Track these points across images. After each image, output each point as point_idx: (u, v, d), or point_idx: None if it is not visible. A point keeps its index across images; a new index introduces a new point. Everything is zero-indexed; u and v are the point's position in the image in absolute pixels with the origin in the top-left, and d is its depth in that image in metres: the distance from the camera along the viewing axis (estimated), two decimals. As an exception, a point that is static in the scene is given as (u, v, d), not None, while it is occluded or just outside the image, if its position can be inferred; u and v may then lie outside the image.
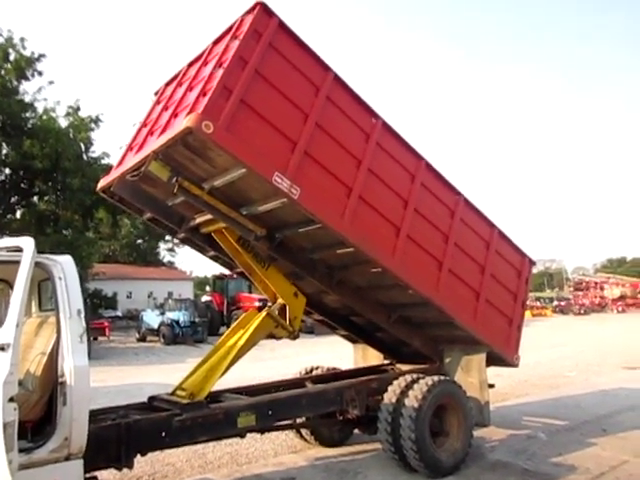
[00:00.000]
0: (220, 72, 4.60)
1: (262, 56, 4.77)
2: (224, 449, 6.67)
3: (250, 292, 28.35)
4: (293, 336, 6.04)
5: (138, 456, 4.59)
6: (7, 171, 25.71)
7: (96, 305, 34.84)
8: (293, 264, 5.87)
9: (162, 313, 25.06)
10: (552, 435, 7.13)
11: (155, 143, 4.82)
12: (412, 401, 5.54)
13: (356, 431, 6.83)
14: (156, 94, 6.36)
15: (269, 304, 6.07)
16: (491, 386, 6.69)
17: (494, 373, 6.98)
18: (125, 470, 4.52)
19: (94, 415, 4.21)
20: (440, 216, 6.16)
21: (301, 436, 6.85)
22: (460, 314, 6.08)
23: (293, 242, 5.79)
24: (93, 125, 26.71)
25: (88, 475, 3.94)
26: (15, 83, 24.66)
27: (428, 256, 5.91)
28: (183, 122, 4.26)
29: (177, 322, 23.53)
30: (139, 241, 56.99)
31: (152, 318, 25.40)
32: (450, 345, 6.71)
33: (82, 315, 3.84)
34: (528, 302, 14.12)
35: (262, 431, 5.85)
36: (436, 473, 5.54)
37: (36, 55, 24.82)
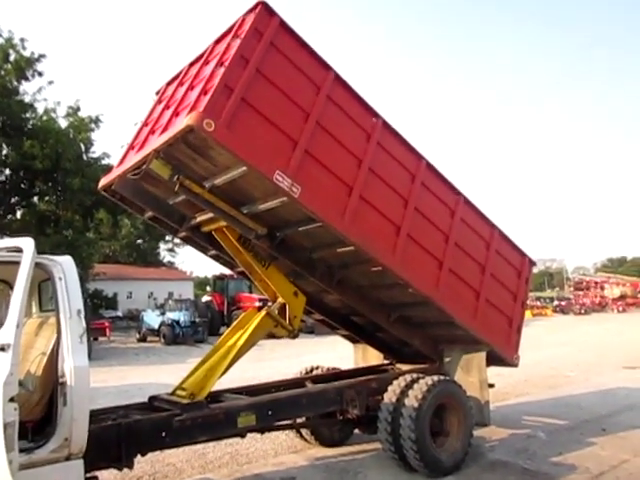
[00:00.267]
0: (221, 71, 4.62)
1: (263, 55, 4.79)
2: (224, 449, 6.68)
3: (250, 292, 28.36)
4: (293, 335, 6.05)
5: (138, 456, 4.59)
6: (7, 172, 25.75)
7: (96, 305, 34.89)
8: (293, 263, 5.88)
9: (162, 313, 25.06)
10: (552, 434, 7.13)
11: (156, 141, 4.84)
12: (412, 401, 5.54)
13: (356, 431, 6.83)
14: (157, 93, 6.39)
15: (269, 304, 6.08)
16: (491, 386, 6.69)
17: (494, 372, 6.99)
18: (125, 470, 4.53)
19: (94, 415, 4.22)
20: (440, 215, 6.17)
21: (301, 436, 6.85)
22: (460, 313, 6.09)
23: (294, 241, 5.80)
24: (93, 125, 26.78)
25: (88, 475, 3.94)
26: (15, 83, 24.70)
27: (428, 255, 5.92)
28: (184, 120, 4.28)
29: (177, 322, 23.53)
30: (139, 241, 56.99)
31: (152, 318, 25.41)
32: (450, 345, 6.71)
33: (82, 315, 3.85)
34: (528, 302, 14.16)
35: (262, 431, 5.85)
36: (436, 473, 5.54)
37: (36, 55, 24.87)
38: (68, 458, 3.67)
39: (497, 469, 5.85)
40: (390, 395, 5.73)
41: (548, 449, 6.44)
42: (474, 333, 6.24)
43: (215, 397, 5.47)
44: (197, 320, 24.24)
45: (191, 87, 5.28)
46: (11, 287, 3.90)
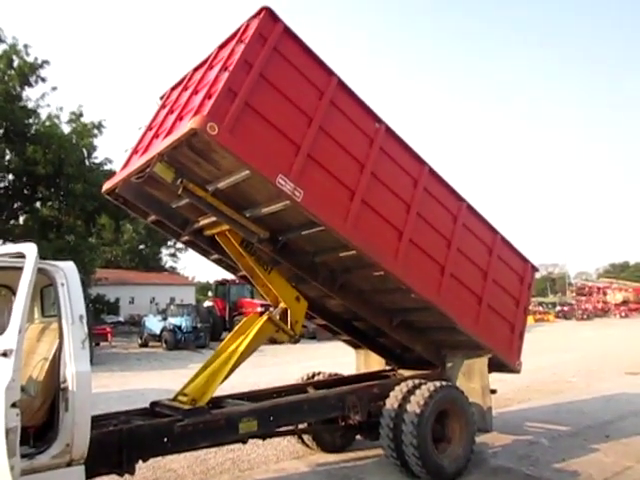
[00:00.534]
0: (225, 75, 4.66)
1: (267, 60, 4.82)
2: (226, 455, 6.66)
3: (252, 297, 28.37)
4: (294, 340, 6.05)
5: (140, 462, 4.58)
6: (10, 177, 25.79)
7: (98, 310, 34.90)
8: (296, 267, 5.89)
9: (164, 318, 25.04)
10: (555, 441, 7.11)
11: (160, 145, 4.87)
12: (414, 407, 5.53)
13: (358, 437, 6.81)
14: (161, 98, 6.44)
15: (271, 309, 6.08)
16: (493, 392, 6.68)
17: (496, 378, 6.97)
18: (127, 476, 4.52)
19: (96, 421, 4.20)
20: (443, 221, 6.18)
21: (303, 442, 6.83)
22: (462, 319, 6.08)
23: (296, 245, 5.81)
24: (96, 131, 26.81)
25: (90, 481, 3.94)
26: (18, 89, 24.78)
27: (430, 260, 5.92)
28: (188, 124, 4.31)
29: (179, 327, 23.52)
30: (141, 246, 57.09)
31: (154, 323, 25.39)
32: (452, 350, 6.70)
33: (84, 321, 3.86)
34: (530, 307, 14.13)
35: (264, 437, 5.84)
36: (438, 479, 5.53)
37: (39, 62, 24.96)
38: (69, 464, 3.67)
39: (499, 475, 5.83)
40: (392, 401, 5.72)
41: (551, 455, 6.41)
42: (476, 338, 6.23)
43: (217, 403, 5.47)
44: (199, 325, 24.24)
45: (195, 92, 5.32)
46: (13, 292, 3.90)
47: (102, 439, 4.15)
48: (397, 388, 5.85)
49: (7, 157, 24.32)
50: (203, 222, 5.92)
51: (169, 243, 56.91)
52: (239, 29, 5.19)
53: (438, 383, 5.87)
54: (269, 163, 4.62)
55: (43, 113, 26.06)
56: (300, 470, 6.21)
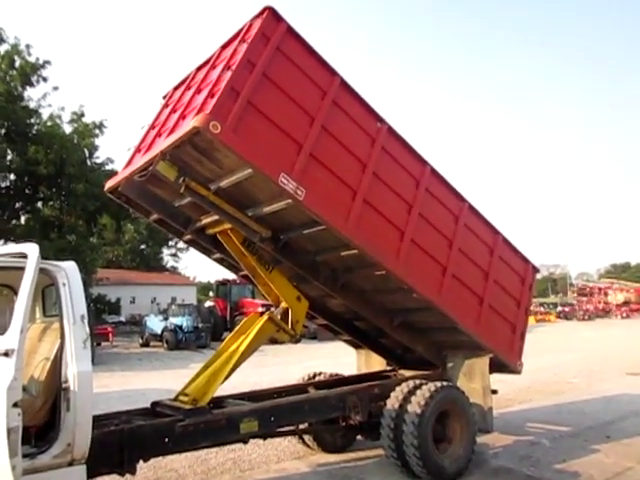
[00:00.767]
0: (228, 74, 4.67)
1: (270, 59, 4.84)
2: (227, 455, 6.67)
3: (253, 297, 28.38)
4: (295, 340, 6.07)
5: (141, 462, 4.59)
6: (12, 177, 25.82)
7: (99, 310, 34.91)
8: (297, 266, 5.90)
9: (165, 318, 25.04)
10: (556, 441, 7.10)
11: (163, 144, 4.89)
12: (415, 407, 5.53)
13: (359, 437, 6.81)
14: (164, 98, 6.46)
15: (272, 309, 6.09)
16: (494, 392, 6.67)
17: (497, 379, 6.96)
18: (128, 476, 4.52)
19: (97, 421, 4.21)
20: (444, 221, 6.19)
21: (304, 442, 6.83)
22: (463, 319, 6.08)
23: (297, 244, 5.82)
24: (97, 131, 26.86)
25: (91, 481, 3.95)
26: (20, 89, 24.80)
27: (432, 260, 5.93)
28: (191, 122, 4.32)
29: (180, 327, 23.53)
30: (142, 246, 57.11)
31: (155, 323, 25.40)
32: (453, 351, 6.70)
33: (86, 321, 3.86)
34: (532, 307, 14.09)
35: (265, 437, 5.85)
36: (439, 479, 5.53)
37: (41, 62, 24.99)
38: (71, 463, 3.67)
39: (500, 476, 5.83)
40: (393, 401, 5.72)
41: (552, 456, 6.41)
42: (477, 339, 6.23)
43: (218, 403, 5.47)
44: (200, 325, 24.23)
45: (198, 91, 5.34)
46: (15, 292, 3.91)
47: (103, 439, 4.15)
48: (398, 388, 5.85)
49: (9, 157, 24.35)
50: (205, 221, 5.93)
51: (170, 243, 56.93)
52: (242, 29, 5.20)
53: (439, 383, 5.87)
54: (271, 162, 4.63)
55: (45, 113, 26.14)
56: (301, 470, 6.21)
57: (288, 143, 4.85)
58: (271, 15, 4.96)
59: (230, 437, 5.16)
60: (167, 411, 5.08)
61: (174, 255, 61.17)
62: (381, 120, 5.70)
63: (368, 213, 5.34)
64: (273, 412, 5.33)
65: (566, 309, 55.33)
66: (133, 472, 4.46)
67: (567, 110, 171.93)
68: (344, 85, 5.42)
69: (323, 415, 5.92)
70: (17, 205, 26.89)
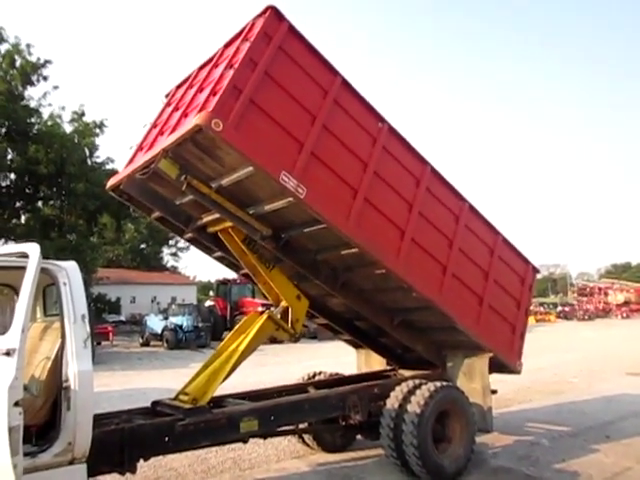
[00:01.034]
0: (231, 73, 4.69)
1: (272, 58, 4.86)
2: (227, 454, 6.68)
3: (253, 297, 28.40)
4: (294, 339, 6.06)
5: (141, 461, 4.60)
6: (12, 176, 25.85)
7: (100, 310, 34.94)
8: (298, 265, 5.91)
9: (165, 318, 25.07)
10: (555, 441, 7.12)
11: (165, 141, 4.91)
12: (414, 407, 5.54)
13: (358, 437, 6.82)
14: (167, 96, 6.49)
15: (272, 308, 6.09)
16: (494, 392, 6.68)
17: (497, 379, 6.97)
18: (128, 475, 4.54)
19: (97, 420, 4.21)
20: (445, 221, 6.20)
21: (304, 441, 6.85)
22: (463, 318, 6.09)
23: (298, 243, 5.83)
24: (97, 130, 26.90)
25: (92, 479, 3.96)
26: (21, 89, 24.83)
27: (432, 260, 5.94)
28: (193, 120, 4.34)
29: (180, 327, 23.55)
30: (143, 246, 57.14)
31: (155, 323, 25.42)
32: (453, 351, 6.71)
33: (87, 320, 3.87)
34: (532, 307, 14.14)
35: (265, 436, 5.86)
36: (438, 479, 5.54)
37: (42, 61, 25.02)
38: (71, 462, 3.68)
39: (500, 475, 5.84)
40: (392, 401, 5.73)
41: (551, 456, 6.42)
42: (477, 339, 6.24)
43: (218, 402, 5.48)
44: (200, 325, 24.26)
45: (200, 89, 5.37)
46: (16, 292, 3.92)
47: (104, 438, 4.16)
48: (398, 388, 5.87)
49: (9, 156, 24.40)
50: (206, 219, 5.95)
51: (170, 242, 56.99)
52: (244, 28, 5.23)
53: (439, 383, 5.88)
54: (273, 160, 4.65)
55: (45, 112, 26.20)
56: (301, 470, 6.22)
57: (289, 141, 4.87)
58: (273, 14, 4.98)
59: (230, 436, 5.17)
60: (167, 410, 5.09)
61: (174, 254, 61.26)
62: (382, 119, 5.71)
63: (369, 212, 5.36)
64: (273, 411, 5.34)
65: (566, 309, 55.34)
66: (133, 471, 4.47)
67: (567, 110, 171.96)
68: (345, 84, 5.44)
69: (323, 415, 5.94)
70: (17, 204, 26.92)
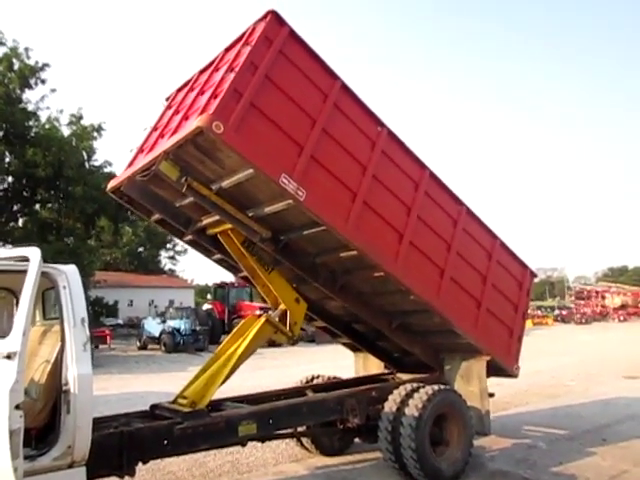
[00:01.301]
0: (231, 76, 4.73)
1: (272, 62, 4.90)
2: (225, 457, 6.69)
3: (251, 300, 28.39)
4: (292, 342, 6.08)
5: (140, 464, 4.60)
6: (10, 179, 25.76)
7: (97, 313, 34.86)
8: (297, 267, 5.93)
9: (163, 321, 25.05)
10: (552, 444, 7.13)
11: (166, 143, 4.94)
12: (412, 410, 5.56)
13: (357, 440, 6.83)
14: (167, 100, 6.52)
15: (270, 312, 6.11)
16: (491, 395, 6.71)
17: (494, 382, 6.99)
18: (127, 478, 4.53)
19: (96, 423, 4.23)
20: (443, 224, 6.24)
21: (302, 445, 6.86)
22: (461, 322, 6.12)
23: (297, 245, 5.86)
24: (95, 134, 26.84)
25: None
26: (19, 92, 24.80)
27: (430, 263, 5.97)
28: (194, 122, 4.38)
29: (178, 330, 23.53)
30: (140, 249, 57.11)
31: (153, 326, 25.40)
32: (451, 354, 6.73)
33: (86, 324, 3.88)
34: (529, 311, 14.12)
35: (263, 440, 5.87)
36: (436, 482, 5.56)
37: (40, 64, 25.00)
38: (71, 466, 3.69)
39: (497, 478, 5.86)
40: (390, 404, 5.75)
41: (548, 459, 6.44)
42: (474, 342, 6.26)
43: (216, 406, 5.49)
44: (198, 328, 24.24)
45: (201, 92, 5.41)
46: (15, 295, 3.94)
47: (103, 441, 4.17)
48: (396, 391, 5.88)
49: (7, 159, 24.32)
50: (206, 221, 5.98)
51: (168, 246, 56.98)
52: (245, 32, 5.28)
53: (436, 386, 5.90)
54: (273, 162, 4.68)
55: (43, 116, 26.11)
56: (299, 473, 6.23)
57: (289, 144, 4.91)
58: (274, 19, 5.03)
59: (228, 440, 5.17)
60: (166, 414, 5.10)
61: (172, 258, 61.27)
62: (381, 124, 5.76)
63: (368, 215, 5.40)
64: (271, 415, 5.35)
65: (563, 312, 55.35)
66: (132, 474, 4.47)
67: (567, 110, 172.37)
68: (345, 88, 5.49)
69: (321, 418, 5.95)
70: (15, 207, 26.84)
